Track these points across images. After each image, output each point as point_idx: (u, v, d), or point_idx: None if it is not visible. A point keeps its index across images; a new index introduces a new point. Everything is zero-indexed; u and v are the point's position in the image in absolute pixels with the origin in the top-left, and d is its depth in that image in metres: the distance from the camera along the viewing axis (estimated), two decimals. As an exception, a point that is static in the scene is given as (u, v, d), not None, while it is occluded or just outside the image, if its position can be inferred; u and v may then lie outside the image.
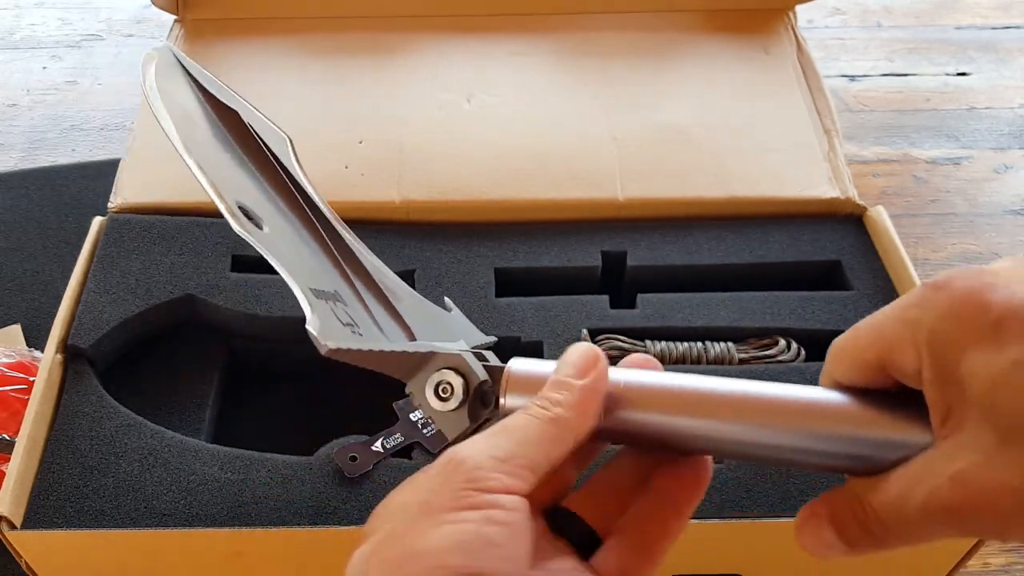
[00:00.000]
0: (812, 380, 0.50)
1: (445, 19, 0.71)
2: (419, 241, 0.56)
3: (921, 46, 0.90)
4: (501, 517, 0.27)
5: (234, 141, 0.45)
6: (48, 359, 0.48)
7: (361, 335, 0.38)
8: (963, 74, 0.87)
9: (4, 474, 0.44)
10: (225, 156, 0.44)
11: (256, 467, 0.45)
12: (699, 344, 0.52)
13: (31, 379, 0.53)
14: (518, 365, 0.32)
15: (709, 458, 0.31)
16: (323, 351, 0.35)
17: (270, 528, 0.43)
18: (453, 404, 0.34)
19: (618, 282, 0.57)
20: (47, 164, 0.76)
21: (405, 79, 0.66)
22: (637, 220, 0.58)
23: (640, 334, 0.52)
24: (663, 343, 0.52)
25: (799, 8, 0.72)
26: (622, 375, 0.31)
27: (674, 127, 0.63)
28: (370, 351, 0.36)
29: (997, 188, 0.76)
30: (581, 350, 0.31)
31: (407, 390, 0.36)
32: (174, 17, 0.71)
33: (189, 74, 0.45)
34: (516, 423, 0.29)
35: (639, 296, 0.54)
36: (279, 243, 0.40)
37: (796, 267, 0.56)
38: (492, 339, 0.45)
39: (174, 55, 0.46)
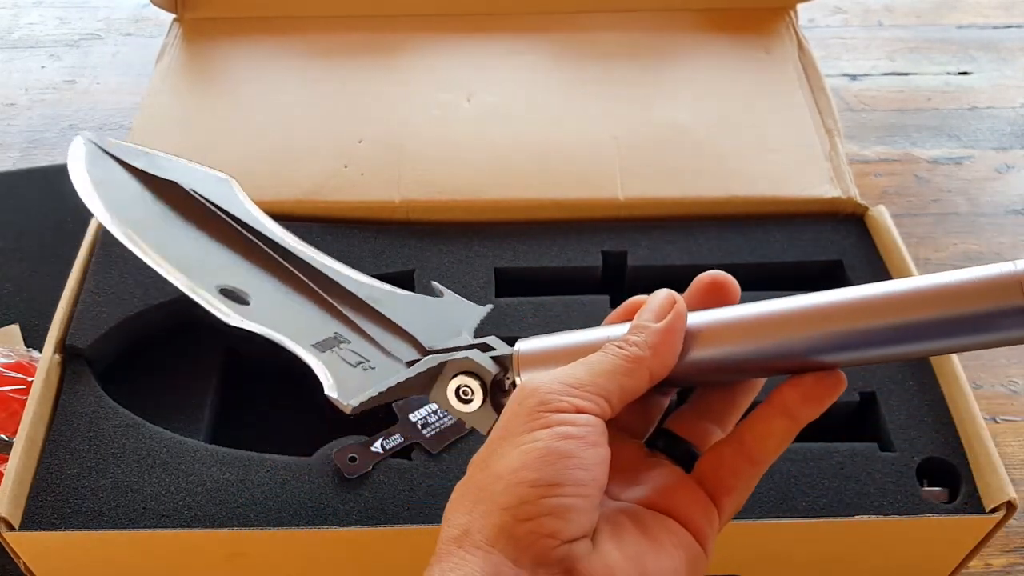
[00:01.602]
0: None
1: (445, 19, 0.71)
2: (419, 241, 0.56)
3: (922, 45, 0.90)
4: (572, 432, 0.28)
5: (186, 215, 0.44)
6: (46, 359, 0.48)
7: (373, 368, 0.39)
8: (964, 73, 0.87)
9: (2, 475, 0.44)
10: (184, 236, 0.43)
11: (255, 468, 0.45)
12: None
13: (29, 379, 0.53)
14: (525, 346, 0.34)
15: (839, 373, 0.32)
16: (348, 411, 0.37)
17: (269, 529, 0.43)
18: (476, 404, 0.36)
19: (619, 282, 0.56)
20: (45, 163, 0.75)
21: (405, 79, 0.66)
22: (638, 220, 0.58)
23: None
24: (664, 343, 0.51)
25: (800, 7, 0.72)
26: (703, 316, 0.32)
27: (675, 126, 0.63)
28: (388, 389, 0.37)
29: (999, 188, 0.76)
30: (661, 295, 0.33)
31: (431, 400, 0.37)
32: (172, 16, 0.70)
33: (117, 159, 0.45)
34: (592, 358, 0.31)
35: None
36: (269, 310, 0.41)
37: (797, 267, 0.56)
38: (488, 307, 0.44)
39: (95, 144, 0.45)
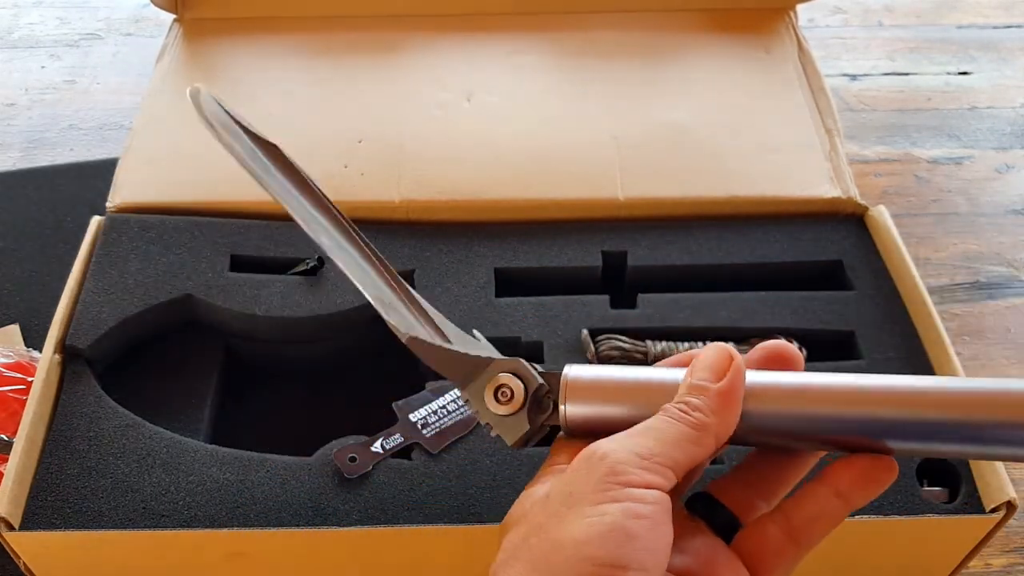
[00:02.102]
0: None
1: (445, 19, 0.71)
2: (419, 241, 0.56)
3: (922, 45, 0.90)
4: (641, 511, 0.27)
5: (288, 177, 0.42)
6: (46, 359, 0.48)
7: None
8: (965, 73, 0.87)
9: (2, 475, 0.44)
10: (290, 197, 0.41)
11: (255, 468, 0.45)
12: (700, 344, 0.51)
13: (29, 379, 0.53)
14: (575, 372, 0.33)
15: (893, 460, 0.31)
16: (404, 339, 0.37)
17: (269, 529, 0.43)
18: (513, 408, 0.35)
19: (619, 282, 0.56)
20: (45, 164, 0.75)
21: (405, 79, 0.66)
22: (638, 220, 0.58)
23: (641, 334, 0.52)
24: (664, 343, 0.51)
25: (800, 7, 0.72)
26: (758, 376, 0.31)
27: (675, 126, 0.63)
28: (440, 347, 0.37)
29: (999, 188, 0.76)
30: (715, 353, 0.31)
31: (463, 396, 0.36)
32: (173, 16, 0.70)
33: (228, 112, 0.42)
34: (658, 425, 0.30)
35: (640, 296, 0.54)
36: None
37: (797, 267, 0.56)
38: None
39: (211, 97, 0.42)
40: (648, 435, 0.29)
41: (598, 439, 0.30)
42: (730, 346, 0.31)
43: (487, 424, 0.36)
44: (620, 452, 0.29)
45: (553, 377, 0.34)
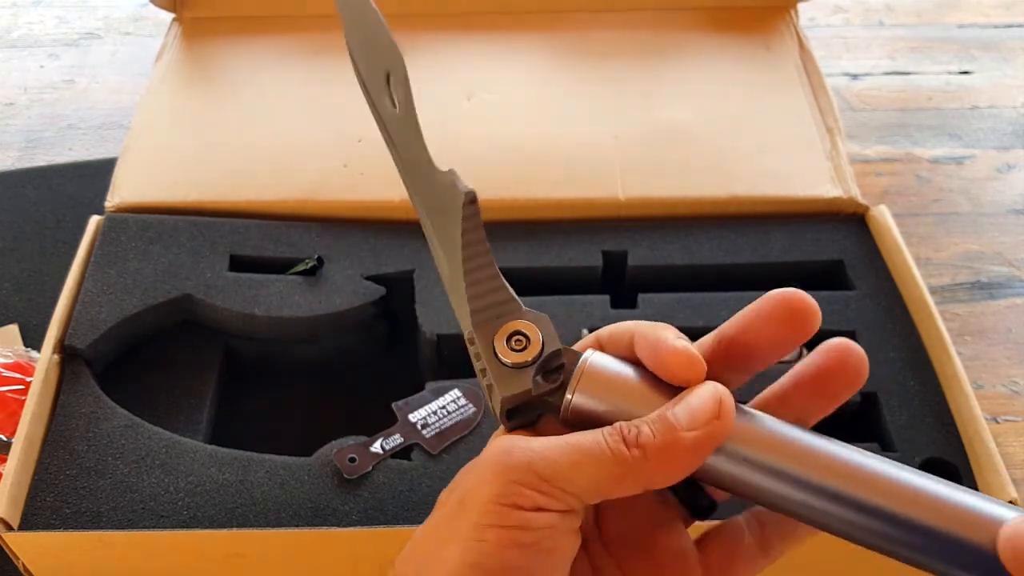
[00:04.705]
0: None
1: (445, 18, 0.71)
2: (419, 241, 0.56)
3: (923, 45, 0.90)
4: (525, 540, 0.25)
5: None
6: (45, 359, 0.48)
7: None
8: (966, 73, 0.87)
9: (1, 475, 0.44)
10: None
11: (254, 468, 0.45)
12: (700, 344, 0.51)
13: (28, 379, 0.53)
14: (596, 361, 0.29)
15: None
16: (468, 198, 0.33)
17: (268, 529, 0.43)
18: (521, 359, 0.30)
19: (619, 282, 0.56)
20: (44, 163, 0.75)
21: (405, 78, 0.66)
22: (638, 219, 0.58)
23: (641, 334, 0.52)
24: (664, 343, 0.51)
25: (801, 6, 0.71)
26: (757, 421, 0.28)
27: (675, 126, 0.62)
28: (463, 262, 0.33)
29: (1000, 187, 0.76)
30: (705, 396, 0.26)
31: (467, 335, 0.32)
32: (172, 15, 0.70)
33: None
34: (584, 444, 0.26)
35: (640, 296, 0.53)
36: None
37: (798, 267, 0.56)
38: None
39: None
40: (564, 453, 0.26)
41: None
42: (726, 394, 0.27)
43: (483, 370, 0.31)
44: (522, 467, 0.26)
45: (572, 354, 0.30)
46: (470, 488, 0.27)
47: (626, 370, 0.29)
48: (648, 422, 0.26)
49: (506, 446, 0.27)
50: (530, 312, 0.31)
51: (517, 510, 0.25)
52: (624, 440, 0.26)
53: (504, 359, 0.30)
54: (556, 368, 0.30)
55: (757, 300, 0.28)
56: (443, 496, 0.28)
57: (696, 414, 0.26)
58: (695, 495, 0.30)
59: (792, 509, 0.27)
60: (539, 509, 0.25)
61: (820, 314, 0.28)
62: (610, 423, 0.27)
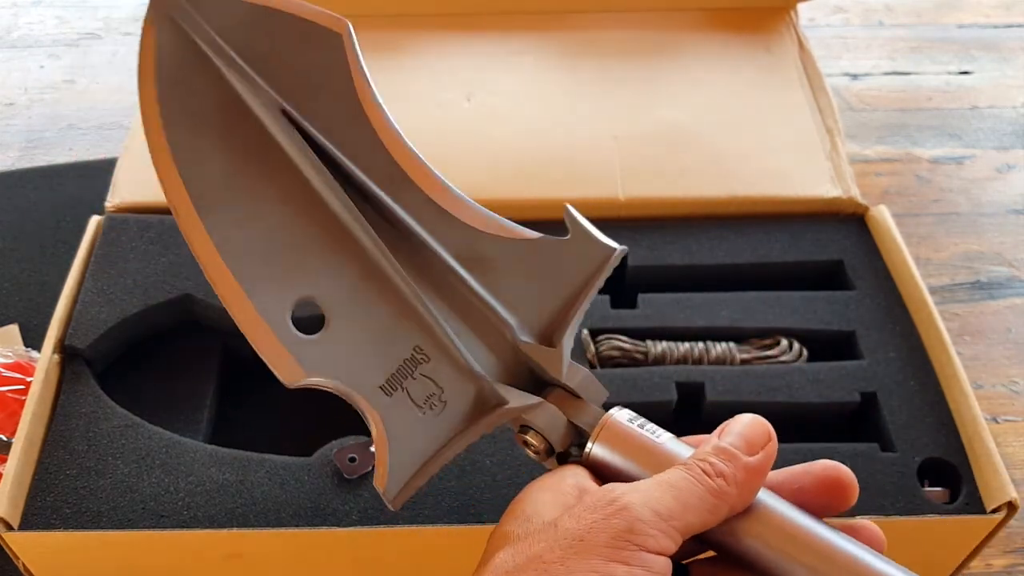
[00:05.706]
0: (813, 380, 0.50)
1: (445, 18, 0.71)
2: (419, 240, 0.56)
3: (923, 45, 0.90)
4: None
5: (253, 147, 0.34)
6: (45, 359, 0.48)
7: (443, 402, 0.34)
8: (965, 73, 0.87)
9: (1, 475, 0.44)
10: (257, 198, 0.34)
11: (254, 468, 0.45)
12: (700, 344, 0.51)
13: (28, 379, 0.53)
14: (618, 418, 0.32)
15: None
16: (392, 508, 0.35)
17: (268, 529, 0.43)
18: (537, 458, 0.34)
19: (619, 282, 0.56)
20: (44, 163, 0.75)
21: (405, 78, 0.66)
22: (638, 220, 0.58)
23: (641, 334, 0.52)
24: (664, 343, 0.51)
25: (801, 6, 0.71)
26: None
27: (675, 126, 0.62)
28: (432, 465, 0.34)
29: (1000, 187, 0.76)
30: (753, 423, 0.29)
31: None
32: (172, 15, 0.70)
33: None
34: (679, 483, 0.28)
35: (640, 296, 0.53)
36: (343, 332, 0.35)
37: (798, 267, 0.56)
38: (623, 249, 0.40)
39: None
40: (668, 492, 0.28)
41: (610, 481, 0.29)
42: (766, 425, 0.29)
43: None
44: (641, 509, 0.27)
45: (587, 413, 0.33)
46: (590, 522, 0.27)
47: (643, 436, 0.31)
48: (712, 455, 0.28)
49: (615, 493, 0.28)
50: (532, 411, 0.34)
51: (643, 551, 0.26)
52: (706, 472, 0.28)
53: (528, 453, 0.34)
54: (568, 453, 0.33)
55: (803, 466, 0.31)
56: (517, 529, 0.29)
57: (751, 439, 0.29)
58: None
59: None
60: (660, 552, 0.27)
61: (858, 488, 0.31)
62: (628, 475, 0.30)
